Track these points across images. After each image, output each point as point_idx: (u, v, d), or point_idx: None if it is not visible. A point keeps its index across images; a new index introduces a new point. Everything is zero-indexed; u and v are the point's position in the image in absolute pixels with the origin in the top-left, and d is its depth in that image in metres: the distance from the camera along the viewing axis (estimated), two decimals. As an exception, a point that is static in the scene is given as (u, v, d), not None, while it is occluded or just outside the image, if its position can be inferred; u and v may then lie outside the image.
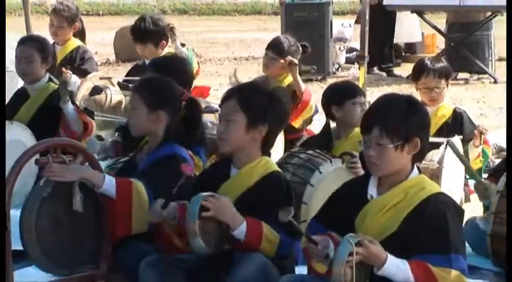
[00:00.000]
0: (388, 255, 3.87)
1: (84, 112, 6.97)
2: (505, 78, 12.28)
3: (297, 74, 7.25)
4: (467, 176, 6.34)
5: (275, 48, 7.35)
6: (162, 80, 5.47)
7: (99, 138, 7.59)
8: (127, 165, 5.11)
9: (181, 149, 4.91)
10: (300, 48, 7.44)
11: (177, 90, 5.09)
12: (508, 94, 5.80)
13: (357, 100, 5.88)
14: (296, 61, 7.21)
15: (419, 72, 6.66)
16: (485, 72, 12.37)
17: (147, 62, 7.90)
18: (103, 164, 5.69)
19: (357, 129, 5.48)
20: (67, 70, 7.85)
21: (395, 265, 3.88)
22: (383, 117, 4.03)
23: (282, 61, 7.26)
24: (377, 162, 4.02)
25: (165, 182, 4.65)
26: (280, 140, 6.49)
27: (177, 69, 6.10)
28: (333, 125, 6.07)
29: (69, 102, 6.64)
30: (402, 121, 4.03)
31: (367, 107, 5.07)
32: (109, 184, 4.52)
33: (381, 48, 12.60)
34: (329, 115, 6.03)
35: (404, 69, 12.60)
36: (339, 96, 5.95)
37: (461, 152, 6.26)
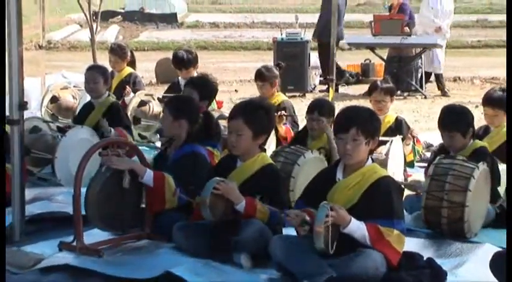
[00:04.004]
0: (352, 218, 3.86)
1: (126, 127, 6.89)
2: (432, 95, 12.28)
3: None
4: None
5: (259, 77, 7.26)
6: (184, 97, 5.49)
7: (142, 137, 7.67)
8: (160, 157, 5.06)
9: (200, 148, 4.89)
10: (277, 68, 7.40)
11: (195, 105, 5.09)
12: (508, 95, 5.69)
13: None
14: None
15: (372, 89, 6.71)
16: (418, 91, 12.33)
17: (181, 81, 7.89)
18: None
19: (324, 135, 5.80)
20: (128, 88, 7.99)
21: (356, 225, 3.88)
22: (358, 120, 4.02)
23: (268, 84, 7.19)
24: (352, 154, 4.00)
25: (187, 172, 4.64)
26: (272, 139, 6.47)
27: (206, 85, 6.18)
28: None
29: (111, 130, 6.53)
30: (370, 124, 4.05)
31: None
32: (148, 176, 4.50)
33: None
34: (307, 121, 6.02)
35: (363, 88, 12.54)
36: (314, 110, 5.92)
37: (402, 148, 6.27)
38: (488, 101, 5.87)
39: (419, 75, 12.51)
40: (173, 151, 4.89)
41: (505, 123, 5.83)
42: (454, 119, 5.22)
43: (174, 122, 4.83)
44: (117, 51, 8.44)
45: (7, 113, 4.62)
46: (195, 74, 7.78)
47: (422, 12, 12.62)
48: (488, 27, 25.35)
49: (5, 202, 4.44)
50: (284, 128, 6.83)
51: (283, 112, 6.81)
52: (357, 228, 3.87)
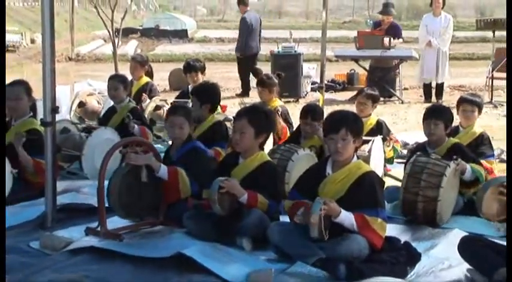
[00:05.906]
0: (341, 209, 3.85)
1: (147, 125, 6.93)
2: (408, 100, 12.26)
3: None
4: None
5: (261, 84, 7.23)
6: (186, 105, 5.48)
7: (157, 137, 7.67)
8: (165, 156, 5.00)
9: (199, 143, 4.91)
10: (277, 76, 7.40)
11: None
12: (508, 96, 5.69)
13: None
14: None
15: (359, 93, 6.75)
16: (396, 97, 12.32)
17: (189, 89, 7.90)
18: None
19: (315, 136, 5.78)
20: (144, 95, 8.00)
21: (345, 215, 3.86)
22: (347, 122, 4.02)
23: (268, 90, 7.17)
24: (342, 151, 3.99)
25: (193, 166, 4.62)
26: (270, 140, 6.45)
27: (212, 92, 6.12)
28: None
29: (135, 126, 6.58)
30: (356, 125, 4.06)
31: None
32: (163, 170, 4.49)
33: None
34: (301, 124, 6.01)
35: (348, 95, 12.51)
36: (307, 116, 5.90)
37: (382, 146, 6.27)
38: (467, 99, 5.88)
39: (398, 83, 12.52)
40: (175, 150, 4.87)
41: (475, 125, 5.83)
42: (439, 110, 5.36)
43: (189, 126, 4.81)
44: (138, 58, 8.59)
45: (41, 116, 4.64)
46: (202, 80, 7.87)
47: (419, 30, 12.57)
48: (455, 42, 25.25)
49: (5, 202, 4.43)
50: (282, 127, 6.87)
51: (278, 108, 6.89)
52: (346, 217, 3.86)
